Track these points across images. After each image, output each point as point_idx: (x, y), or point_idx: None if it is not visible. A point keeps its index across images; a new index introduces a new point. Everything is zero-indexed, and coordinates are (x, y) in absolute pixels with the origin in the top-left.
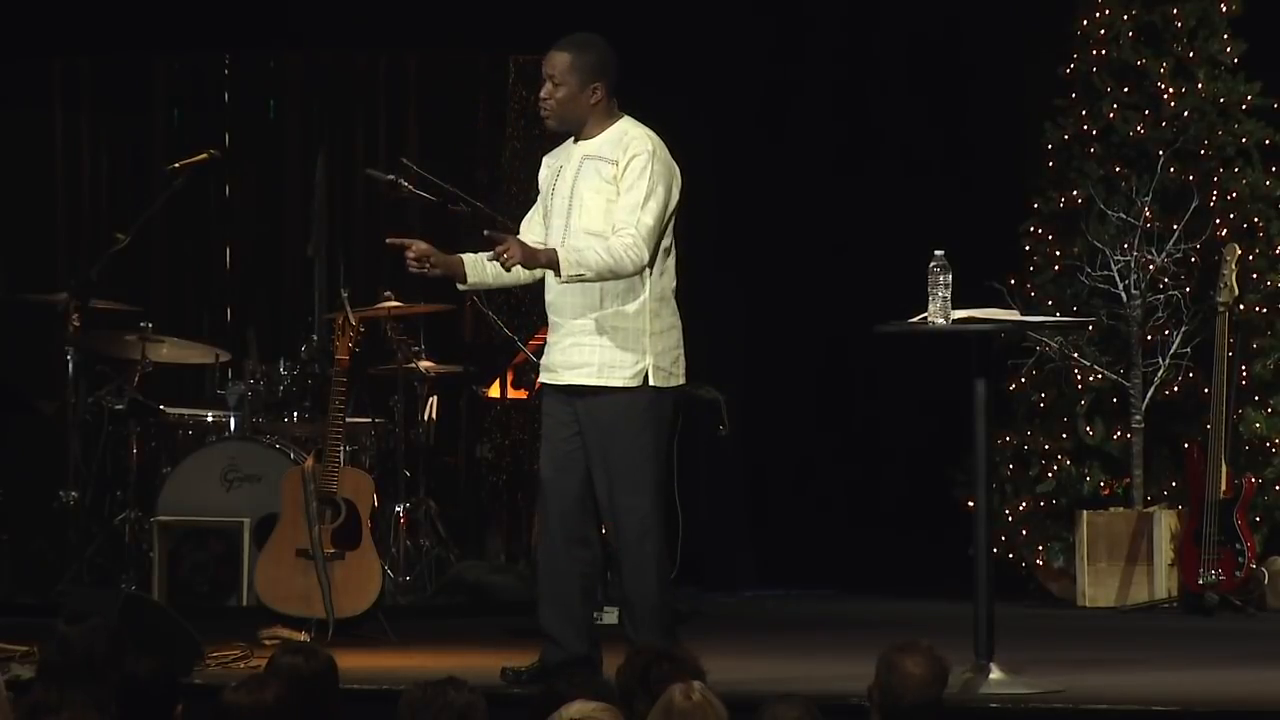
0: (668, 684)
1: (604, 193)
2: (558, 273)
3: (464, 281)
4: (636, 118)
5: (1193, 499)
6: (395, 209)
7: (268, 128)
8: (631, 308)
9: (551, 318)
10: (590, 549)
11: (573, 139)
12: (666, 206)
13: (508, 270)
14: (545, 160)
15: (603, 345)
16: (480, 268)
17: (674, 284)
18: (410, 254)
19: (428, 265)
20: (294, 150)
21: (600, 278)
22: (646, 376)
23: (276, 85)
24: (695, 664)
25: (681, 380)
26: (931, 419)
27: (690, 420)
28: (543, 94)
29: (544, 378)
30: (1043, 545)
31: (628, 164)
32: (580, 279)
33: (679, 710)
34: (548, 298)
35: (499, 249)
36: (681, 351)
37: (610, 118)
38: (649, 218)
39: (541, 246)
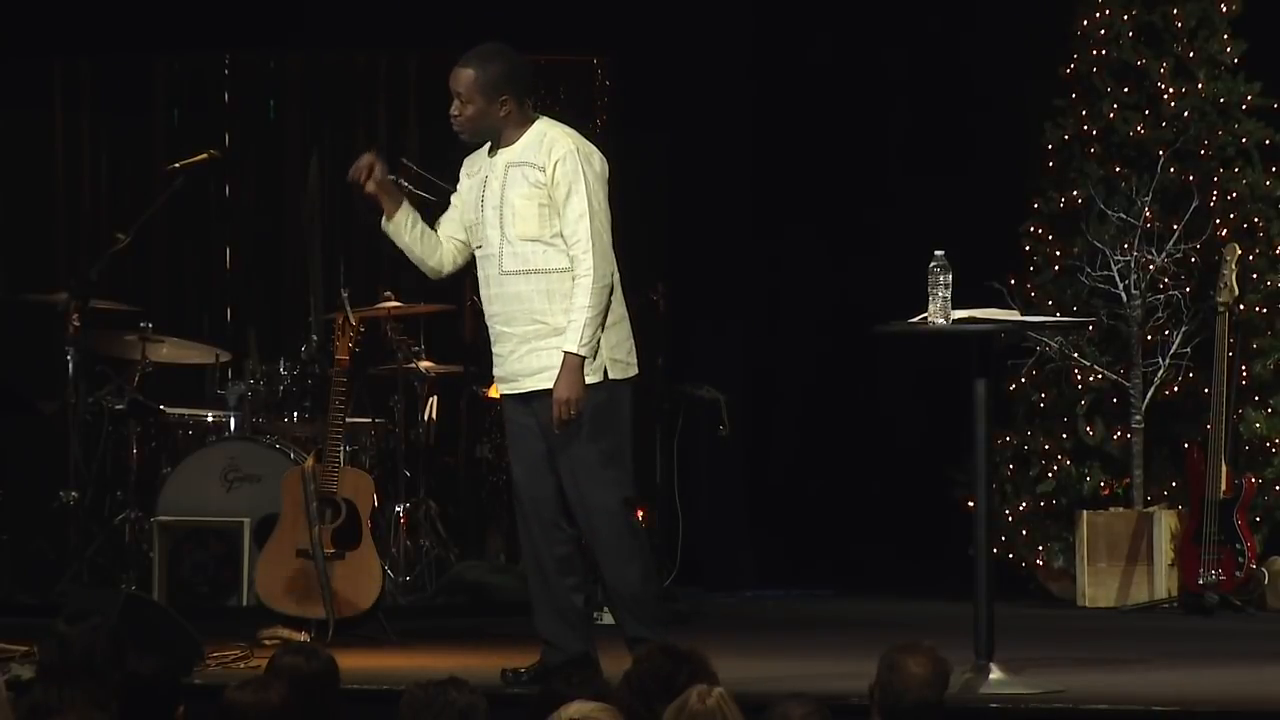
0: (685, 685)
1: (535, 198)
2: (581, 357)
3: (388, 219)
4: (639, 115)
5: (1193, 499)
6: None
7: (268, 128)
8: None
9: (498, 329)
10: (564, 531)
11: (489, 146)
12: (604, 201)
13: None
14: (465, 167)
15: (559, 348)
16: (408, 222)
17: (616, 272)
18: (363, 161)
19: (367, 178)
20: (294, 150)
21: (601, 316)
22: (605, 372)
23: (276, 85)
24: (709, 666)
25: (636, 370)
26: (931, 419)
27: (690, 420)
28: (452, 110)
29: (503, 389)
30: (1043, 545)
31: (555, 168)
32: (593, 339)
33: (693, 712)
34: (491, 309)
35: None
36: (632, 341)
37: (526, 122)
38: (597, 222)
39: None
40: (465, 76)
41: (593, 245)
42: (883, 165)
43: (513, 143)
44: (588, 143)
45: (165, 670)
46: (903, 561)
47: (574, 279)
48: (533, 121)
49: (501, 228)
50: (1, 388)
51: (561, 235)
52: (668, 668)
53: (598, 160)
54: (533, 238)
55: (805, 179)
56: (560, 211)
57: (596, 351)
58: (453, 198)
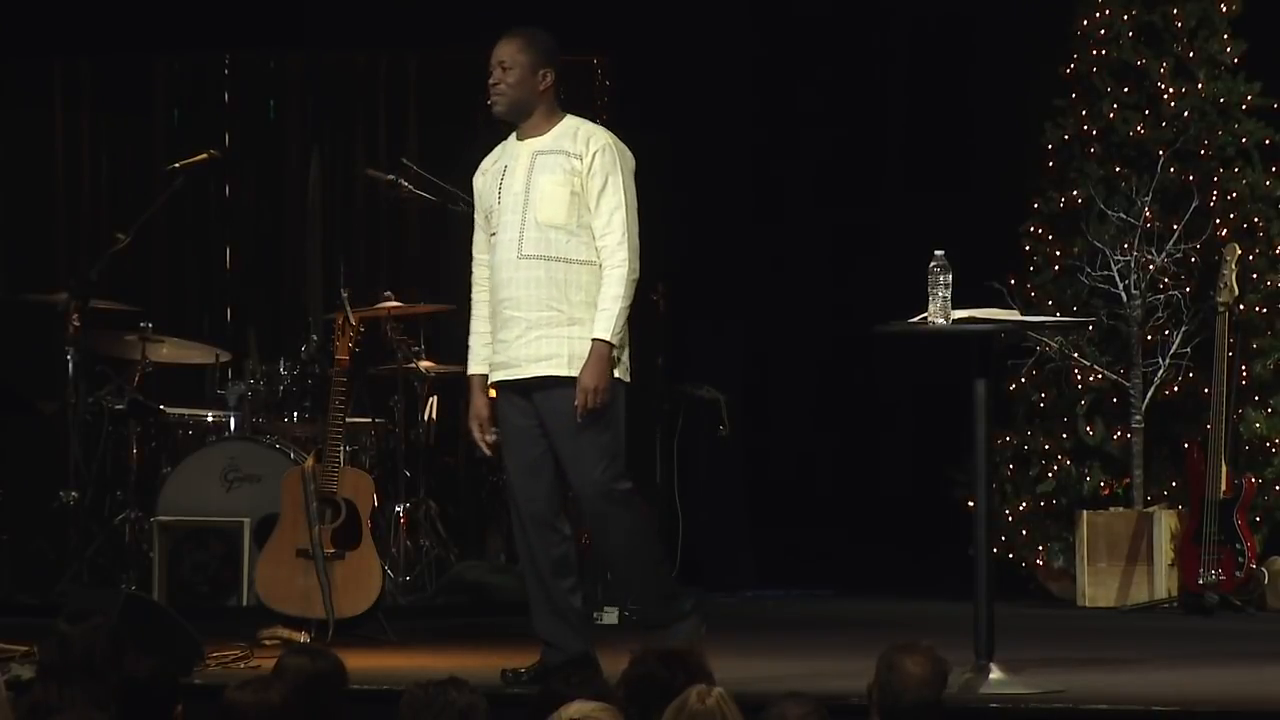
0: (682, 687)
1: (567, 185)
2: (611, 346)
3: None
4: (639, 115)
5: (1193, 499)
6: (395, 209)
7: (268, 128)
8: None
9: (506, 313)
10: (560, 532)
11: (515, 136)
12: (635, 198)
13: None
14: (482, 167)
15: (570, 336)
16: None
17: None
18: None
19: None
20: (294, 150)
21: (629, 309)
22: (613, 370)
23: (276, 85)
24: (706, 667)
25: (629, 376)
26: (931, 419)
27: (690, 420)
28: (492, 80)
29: (499, 375)
30: (1043, 545)
31: (593, 159)
32: (622, 330)
33: (693, 712)
34: (502, 293)
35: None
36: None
37: (556, 113)
38: (631, 215)
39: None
40: (511, 44)
41: (625, 238)
42: (883, 166)
43: (542, 133)
44: (618, 139)
45: (163, 670)
46: (903, 561)
47: (606, 269)
48: (562, 116)
49: (523, 212)
50: (1, 388)
51: (586, 226)
52: (663, 672)
53: (629, 157)
54: (558, 224)
55: (805, 179)
56: (594, 202)
57: (621, 330)
58: (475, 216)
